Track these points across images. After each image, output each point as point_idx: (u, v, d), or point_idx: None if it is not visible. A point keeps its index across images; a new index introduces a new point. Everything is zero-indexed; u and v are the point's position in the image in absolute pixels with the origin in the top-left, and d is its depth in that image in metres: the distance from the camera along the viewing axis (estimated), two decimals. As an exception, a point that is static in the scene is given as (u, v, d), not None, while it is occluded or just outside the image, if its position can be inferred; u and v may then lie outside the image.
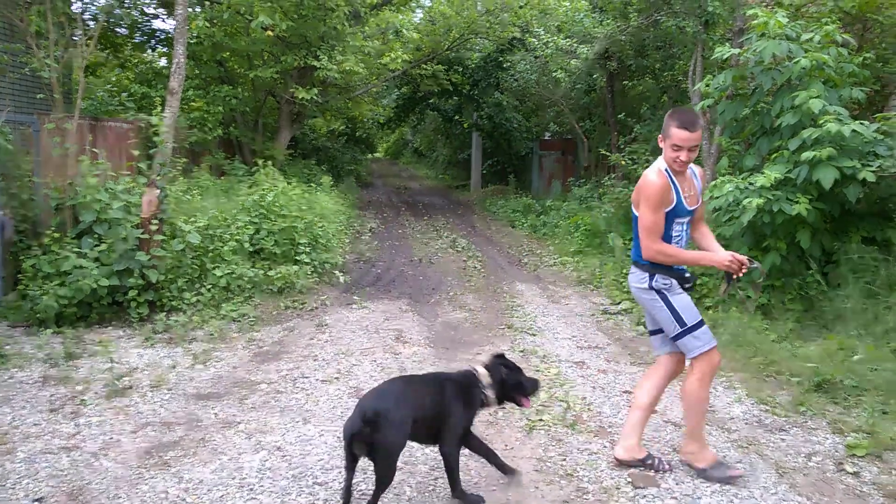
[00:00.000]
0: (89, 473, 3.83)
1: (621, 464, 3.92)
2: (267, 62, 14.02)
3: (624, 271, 8.94)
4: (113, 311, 6.92)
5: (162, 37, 15.84)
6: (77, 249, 6.65)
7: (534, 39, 14.69)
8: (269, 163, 10.85)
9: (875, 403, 4.58)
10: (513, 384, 3.52)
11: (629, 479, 3.78)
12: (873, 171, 5.81)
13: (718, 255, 3.64)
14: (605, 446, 4.23)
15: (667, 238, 3.64)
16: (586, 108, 17.16)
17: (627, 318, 7.54)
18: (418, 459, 3.98)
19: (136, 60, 16.58)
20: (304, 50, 13.49)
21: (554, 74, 14.48)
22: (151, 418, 4.64)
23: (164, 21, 15.82)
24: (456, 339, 6.73)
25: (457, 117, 25.50)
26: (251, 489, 3.65)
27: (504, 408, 4.14)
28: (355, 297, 8.35)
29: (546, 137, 21.86)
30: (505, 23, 18.06)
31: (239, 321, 7.07)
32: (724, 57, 7.29)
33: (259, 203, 9.22)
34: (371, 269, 10.51)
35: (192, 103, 12.30)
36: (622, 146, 13.82)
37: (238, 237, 8.23)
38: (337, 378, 5.47)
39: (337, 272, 9.48)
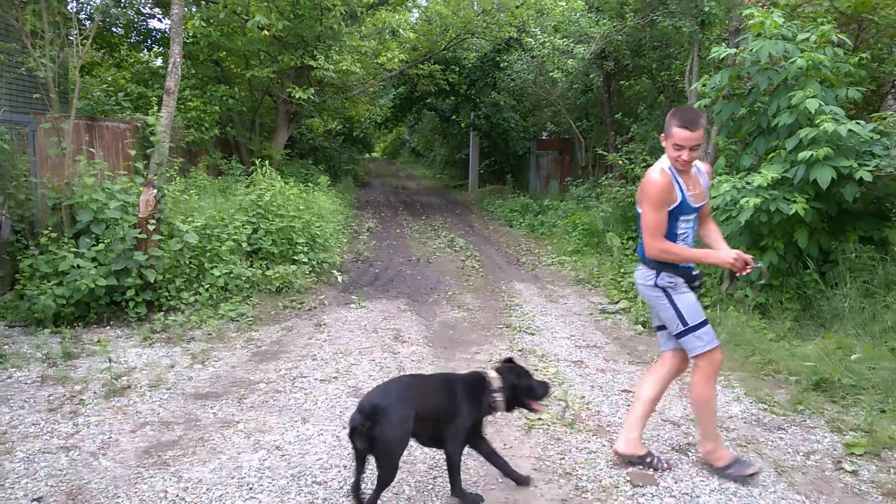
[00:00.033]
0: (88, 473, 3.83)
1: (621, 458, 3.94)
2: (263, 62, 14.00)
3: (622, 270, 8.97)
4: (111, 311, 6.92)
5: (158, 36, 15.81)
6: (74, 249, 6.65)
7: (530, 39, 14.68)
8: (267, 162, 10.84)
9: (873, 402, 4.60)
10: (524, 389, 3.51)
11: (628, 478, 3.79)
12: (870, 171, 5.83)
13: (722, 254, 3.65)
14: (603, 445, 4.23)
15: (672, 236, 3.65)
16: (583, 108, 17.17)
17: (625, 317, 7.55)
18: (417, 459, 3.98)
19: (132, 60, 16.53)
20: (301, 49, 13.48)
21: (551, 74, 14.49)
22: (150, 418, 4.63)
23: (160, 21, 15.78)
24: (454, 339, 6.73)
25: (454, 117, 25.52)
26: (250, 488, 3.65)
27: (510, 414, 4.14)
28: (353, 297, 8.35)
29: (543, 137, 21.87)
30: (501, 22, 18.07)
31: (237, 321, 7.06)
32: (721, 57, 7.30)
33: (256, 203, 9.22)
34: (369, 269, 10.51)
35: (189, 103, 12.28)
36: (619, 146, 13.83)
37: (236, 237, 8.23)
38: (335, 377, 5.47)
39: (335, 272, 9.47)
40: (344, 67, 13.81)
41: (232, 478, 3.76)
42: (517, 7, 17.84)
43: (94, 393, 5.04)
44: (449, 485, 3.49)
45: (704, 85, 7.64)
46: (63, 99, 9.26)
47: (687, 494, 3.62)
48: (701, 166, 3.81)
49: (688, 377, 4.25)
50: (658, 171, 3.60)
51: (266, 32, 12.46)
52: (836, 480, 3.81)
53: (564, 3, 16.04)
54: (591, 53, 12.60)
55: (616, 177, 13.04)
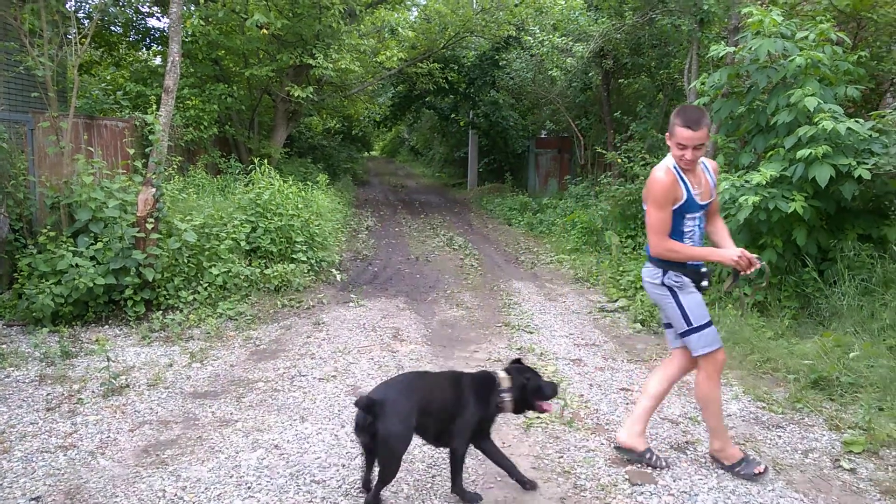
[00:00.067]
0: (86, 472, 3.82)
1: (620, 449, 3.95)
2: (262, 60, 13.99)
3: (620, 269, 8.98)
4: (109, 310, 6.92)
5: (157, 35, 15.80)
6: (73, 248, 6.64)
7: (529, 38, 14.69)
8: (265, 161, 10.84)
9: (871, 400, 4.60)
10: (533, 389, 3.50)
11: (626, 476, 3.79)
12: (868, 169, 5.83)
13: (727, 252, 3.64)
14: (602, 443, 4.24)
15: (679, 233, 3.65)
16: (582, 107, 17.17)
17: (624, 315, 7.55)
18: (416, 458, 3.98)
19: (130, 59, 16.53)
20: (300, 48, 13.48)
21: (550, 73, 14.49)
22: (148, 417, 4.63)
23: (158, 19, 15.83)
24: (453, 337, 6.73)
25: (453, 115, 25.53)
26: (249, 487, 3.64)
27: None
28: (352, 296, 8.34)
29: (542, 135, 21.87)
30: (500, 21, 18.08)
31: (236, 319, 7.06)
32: (720, 55, 7.30)
33: (255, 201, 9.21)
34: (368, 268, 10.51)
35: (188, 102, 12.27)
36: (618, 144, 13.84)
37: (234, 235, 8.22)
38: (334, 376, 5.47)
39: (334, 270, 9.47)
40: (343, 66, 13.82)
41: (230, 477, 3.76)
42: (516, 5, 17.85)
43: (93, 392, 5.04)
44: (449, 482, 3.50)
45: (703, 83, 7.64)
46: (62, 98, 9.26)
47: (685, 493, 3.62)
48: (708, 163, 3.80)
49: (688, 376, 4.26)
50: (663, 170, 3.60)
51: (265, 31, 12.46)
52: (835, 478, 3.81)
53: (563, 2, 16.06)
54: (589, 52, 12.60)
55: (615, 175, 13.04)
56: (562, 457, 4.06)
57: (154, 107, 7.68)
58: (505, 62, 18.01)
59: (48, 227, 6.89)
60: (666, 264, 3.68)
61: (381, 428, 3.11)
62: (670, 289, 3.70)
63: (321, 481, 3.72)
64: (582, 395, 5.07)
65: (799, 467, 3.94)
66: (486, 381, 3.49)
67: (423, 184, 29.94)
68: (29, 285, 6.51)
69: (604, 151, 13.24)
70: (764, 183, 6.18)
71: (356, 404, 3.16)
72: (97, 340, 5.96)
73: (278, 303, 7.76)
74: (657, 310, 7.13)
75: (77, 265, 6.47)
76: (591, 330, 7.03)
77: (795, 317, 6.35)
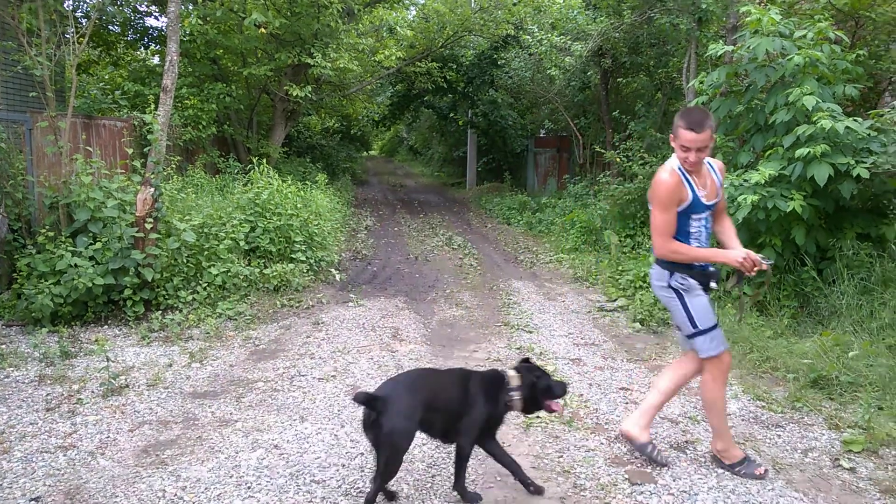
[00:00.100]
0: (86, 472, 3.82)
1: (623, 437, 3.98)
2: (261, 60, 13.98)
3: (620, 268, 8.98)
4: (108, 310, 6.91)
5: (155, 34, 15.77)
6: (72, 248, 6.63)
7: (528, 37, 14.68)
8: (264, 160, 10.83)
9: (871, 399, 4.60)
10: (542, 388, 3.50)
11: (626, 476, 3.79)
12: (867, 168, 5.83)
13: (732, 253, 3.63)
14: (602, 443, 4.24)
15: (685, 234, 3.65)
16: (581, 106, 17.17)
17: (623, 314, 7.55)
18: (415, 457, 3.98)
19: (129, 58, 16.51)
20: (298, 47, 13.46)
21: (548, 72, 14.48)
22: (148, 417, 4.63)
23: (156, 19, 15.82)
24: (452, 337, 6.73)
25: (452, 115, 25.51)
26: (248, 487, 3.64)
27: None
28: (351, 295, 8.34)
29: (541, 135, 21.87)
30: (499, 20, 18.07)
31: (235, 319, 7.06)
32: (718, 54, 7.30)
33: (254, 201, 9.21)
34: (367, 267, 10.50)
35: (186, 101, 12.26)
36: (617, 143, 13.84)
37: (233, 235, 8.22)
38: (334, 376, 5.47)
39: (333, 270, 9.47)
40: (341, 65, 13.81)
41: (230, 477, 3.76)
42: (514, 4, 17.84)
43: (92, 392, 5.03)
44: (448, 482, 3.50)
45: (702, 82, 7.64)
46: (60, 97, 9.24)
47: (685, 492, 3.62)
48: (713, 163, 3.81)
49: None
50: (667, 171, 3.60)
51: (263, 30, 12.44)
52: (834, 477, 3.82)
53: (562, 1, 16.04)
54: (588, 51, 12.59)
55: (614, 174, 13.05)
56: (561, 456, 4.06)
57: (152, 106, 7.67)
58: (503, 61, 18.01)
59: (47, 227, 6.88)
60: (672, 266, 3.69)
61: (384, 423, 3.13)
62: (676, 291, 3.71)
63: (321, 481, 3.72)
64: (581, 395, 5.08)
65: (798, 466, 3.95)
66: (495, 380, 3.50)
67: (422, 183, 29.93)
68: (28, 285, 6.50)
69: (602, 150, 13.24)
70: (762, 182, 6.18)
71: (354, 399, 3.17)
72: (96, 340, 5.96)
73: (277, 302, 7.76)
74: (656, 309, 7.16)
75: (76, 265, 6.46)
76: (591, 329, 7.03)
77: (794, 316, 6.35)
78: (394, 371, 5.47)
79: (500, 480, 3.71)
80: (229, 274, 7.65)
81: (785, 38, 6.64)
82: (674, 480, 3.74)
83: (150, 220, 6.96)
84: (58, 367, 5.55)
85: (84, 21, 12.56)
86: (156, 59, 16.02)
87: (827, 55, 6.50)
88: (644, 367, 5.77)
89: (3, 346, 5.97)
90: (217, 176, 12.21)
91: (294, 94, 13.16)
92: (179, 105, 11.87)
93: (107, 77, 15.31)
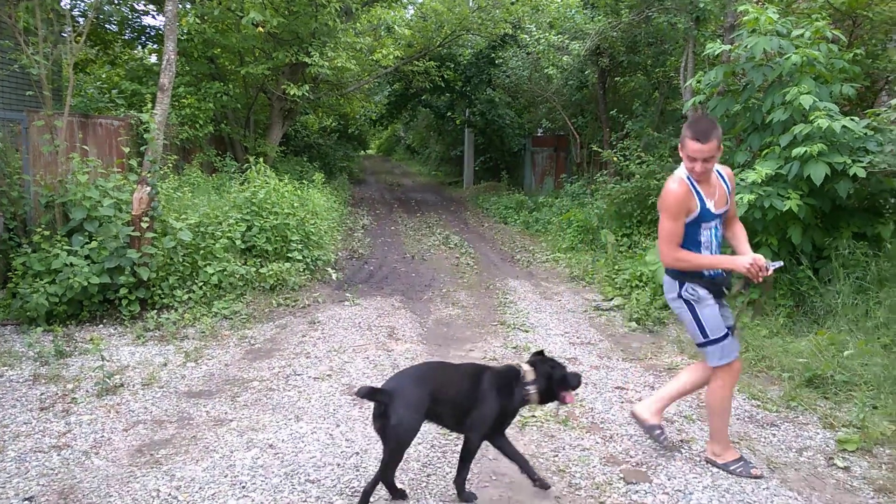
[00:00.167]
0: (80, 472, 3.81)
1: (634, 417, 4.06)
2: (258, 59, 13.96)
3: (616, 267, 8.99)
4: (104, 309, 6.90)
5: (152, 33, 15.76)
6: (67, 247, 6.62)
7: (526, 36, 14.67)
8: (261, 159, 10.82)
9: (865, 398, 4.60)
10: (558, 379, 3.52)
11: (621, 475, 3.79)
12: (864, 167, 5.83)
13: (739, 260, 3.60)
14: (597, 442, 4.24)
15: (696, 243, 3.65)
16: (578, 105, 17.16)
17: (619, 314, 7.55)
18: (411, 457, 3.98)
19: (126, 57, 16.48)
20: (296, 46, 13.45)
21: (546, 71, 14.47)
22: (143, 416, 4.62)
23: (154, 17, 15.85)
24: (449, 336, 6.73)
25: (449, 114, 25.48)
26: (243, 487, 3.64)
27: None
28: (348, 294, 8.33)
29: (538, 134, 21.86)
30: (497, 19, 18.05)
31: (231, 319, 7.05)
32: (716, 53, 7.29)
33: (251, 200, 9.20)
34: (364, 266, 10.50)
35: (183, 100, 12.24)
36: (614, 142, 13.83)
37: (230, 234, 8.21)
38: (329, 375, 5.47)
39: (329, 269, 9.46)
40: (339, 64, 13.80)
41: (225, 476, 3.75)
42: (512, 3, 17.81)
43: (87, 391, 5.02)
44: (445, 480, 3.49)
45: (699, 81, 7.63)
46: (57, 96, 9.22)
47: (680, 491, 3.62)
48: (722, 170, 3.80)
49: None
50: (676, 181, 3.60)
51: (261, 29, 12.42)
52: (829, 476, 3.82)
53: (559, 0, 16.02)
54: (586, 50, 12.59)
55: (611, 174, 13.04)
56: (557, 455, 4.06)
57: (149, 105, 7.64)
58: (501, 60, 18.00)
59: (43, 225, 6.86)
60: (682, 276, 3.70)
61: (389, 414, 3.16)
62: (687, 302, 3.71)
63: (316, 480, 3.71)
64: (577, 394, 5.07)
65: (793, 465, 3.95)
66: (510, 375, 3.51)
67: (420, 182, 29.92)
68: (23, 284, 6.48)
69: (600, 150, 13.24)
70: (759, 181, 6.18)
71: (357, 394, 3.20)
72: (91, 340, 5.95)
73: (273, 302, 7.75)
74: (652, 308, 7.17)
75: (71, 264, 6.45)
76: (587, 328, 7.03)
77: (790, 315, 6.36)
78: (390, 371, 5.47)
79: (496, 479, 3.70)
80: (225, 273, 7.64)
81: (782, 38, 6.64)
82: (669, 479, 3.75)
83: (147, 218, 6.95)
84: (52, 366, 5.54)
85: (81, 20, 12.53)
86: (153, 58, 16.01)
87: (824, 54, 6.50)
88: (640, 367, 5.77)
89: (-1, 346, 5.96)
90: (214, 175, 12.20)
91: (291, 93, 13.15)
92: (176, 104, 11.85)
93: (104, 76, 15.28)
